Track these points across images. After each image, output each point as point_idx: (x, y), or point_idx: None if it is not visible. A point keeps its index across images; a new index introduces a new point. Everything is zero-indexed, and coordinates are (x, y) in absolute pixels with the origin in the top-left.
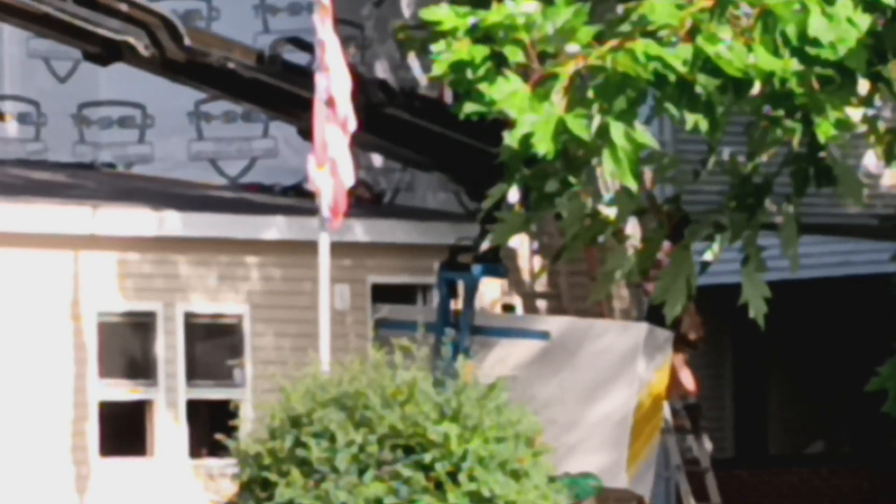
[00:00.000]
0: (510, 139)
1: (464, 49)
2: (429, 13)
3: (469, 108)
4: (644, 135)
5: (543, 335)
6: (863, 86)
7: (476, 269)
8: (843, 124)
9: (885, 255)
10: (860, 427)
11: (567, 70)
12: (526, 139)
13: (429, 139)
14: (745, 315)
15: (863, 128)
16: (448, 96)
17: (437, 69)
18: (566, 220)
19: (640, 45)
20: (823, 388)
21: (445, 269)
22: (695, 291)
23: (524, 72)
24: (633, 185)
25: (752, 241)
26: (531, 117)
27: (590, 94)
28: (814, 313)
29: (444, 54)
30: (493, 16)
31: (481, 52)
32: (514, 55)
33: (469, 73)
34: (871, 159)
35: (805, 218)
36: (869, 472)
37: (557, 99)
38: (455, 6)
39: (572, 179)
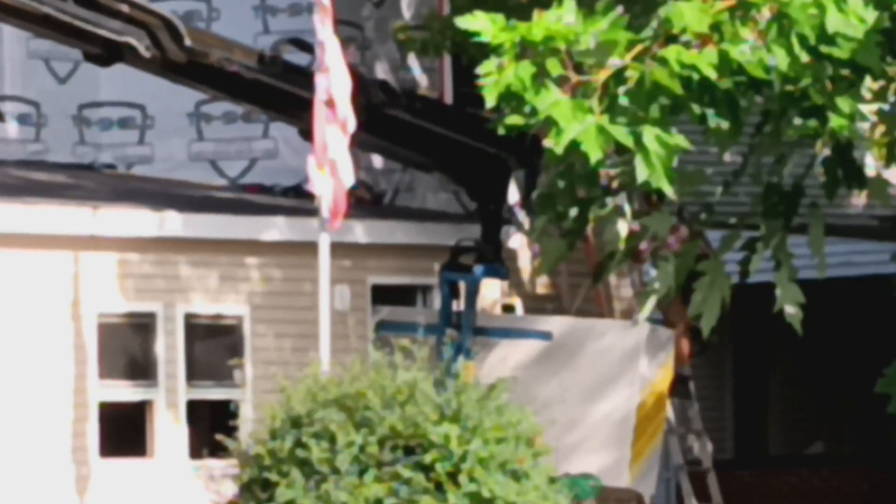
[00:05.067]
0: (555, 145)
1: (510, 71)
2: (465, 21)
3: (512, 120)
4: (678, 137)
5: (545, 335)
6: (874, 85)
7: (477, 269)
8: (854, 118)
9: (885, 255)
10: (860, 427)
11: (598, 79)
12: (572, 146)
13: (429, 140)
14: (746, 315)
15: (873, 119)
16: (448, 97)
17: (489, 98)
18: (606, 239)
19: (673, 53)
20: (823, 389)
21: (447, 270)
22: (729, 302)
23: (559, 80)
24: (668, 189)
25: (783, 247)
26: (576, 126)
27: (622, 101)
28: (814, 314)
29: (492, 78)
30: (536, 30)
31: (527, 70)
32: (555, 68)
33: (517, 90)
34: (869, 159)
35: (804, 219)
36: (869, 472)
37: (593, 106)
38: (489, 14)
39: (609, 201)
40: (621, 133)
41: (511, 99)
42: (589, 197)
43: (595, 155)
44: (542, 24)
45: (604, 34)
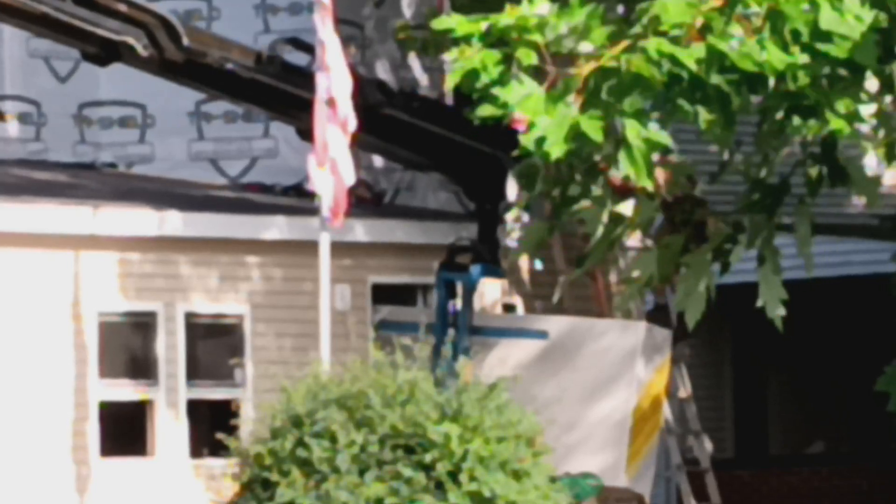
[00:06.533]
0: (525, 141)
1: (475, 57)
2: (439, 23)
3: (484, 111)
4: (659, 134)
5: (542, 335)
6: (873, 84)
7: (474, 269)
8: (853, 118)
9: (885, 255)
10: (860, 427)
11: (581, 72)
12: (541, 141)
13: (427, 140)
14: (745, 315)
15: (872, 122)
16: (449, 98)
17: (451, 80)
18: (588, 225)
19: (653, 44)
20: (823, 388)
21: (444, 270)
22: (714, 296)
23: (538, 73)
24: (649, 185)
25: (768, 242)
26: (545, 120)
27: (603, 95)
28: (813, 313)
29: (458, 63)
30: (505, 18)
31: (493, 57)
32: (528, 58)
33: (483, 79)
34: (871, 160)
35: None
36: (869, 472)
37: (572, 100)
38: (465, 15)
39: (595, 189)
40: (594, 128)
41: (476, 88)
42: (568, 177)
43: (557, 151)
44: (511, 13)
45: (578, 22)
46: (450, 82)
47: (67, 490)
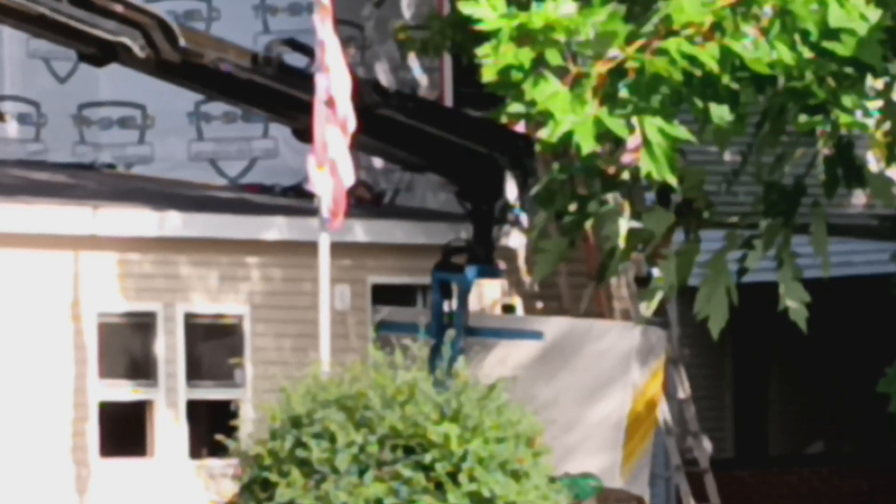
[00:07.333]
0: (549, 135)
1: (510, 53)
2: (468, 6)
3: (513, 108)
4: (679, 129)
5: (537, 335)
6: (878, 83)
7: (469, 270)
8: (859, 110)
9: (885, 255)
10: (860, 427)
11: (597, 71)
12: (566, 137)
13: (422, 140)
14: (745, 315)
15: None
16: (448, 97)
17: (487, 75)
18: (611, 238)
19: (674, 44)
20: (824, 388)
21: (439, 271)
22: (737, 300)
23: (556, 70)
24: (672, 181)
25: (785, 246)
26: (571, 117)
27: (622, 93)
28: (814, 313)
29: (490, 59)
30: (536, 19)
31: (527, 55)
32: (555, 59)
33: (516, 76)
34: (871, 159)
35: (804, 218)
36: (869, 472)
37: (589, 98)
38: (492, 2)
39: (609, 198)
40: (618, 125)
41: (509, 86)
42: (588, 193)
43: (588, 146)
44: (541, 13)
45: (603, 24)
46: (486, 77)
47: (67, 490)
